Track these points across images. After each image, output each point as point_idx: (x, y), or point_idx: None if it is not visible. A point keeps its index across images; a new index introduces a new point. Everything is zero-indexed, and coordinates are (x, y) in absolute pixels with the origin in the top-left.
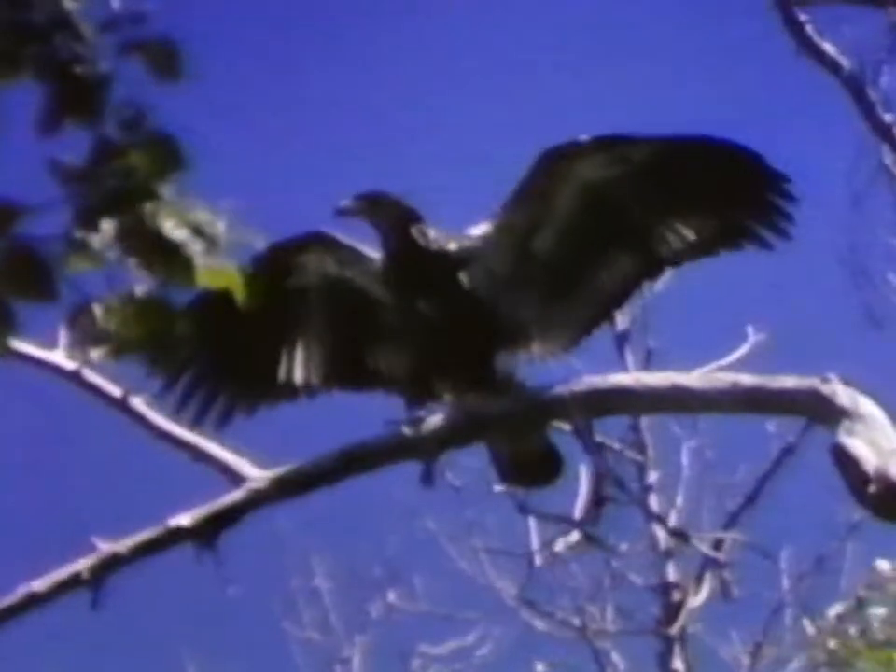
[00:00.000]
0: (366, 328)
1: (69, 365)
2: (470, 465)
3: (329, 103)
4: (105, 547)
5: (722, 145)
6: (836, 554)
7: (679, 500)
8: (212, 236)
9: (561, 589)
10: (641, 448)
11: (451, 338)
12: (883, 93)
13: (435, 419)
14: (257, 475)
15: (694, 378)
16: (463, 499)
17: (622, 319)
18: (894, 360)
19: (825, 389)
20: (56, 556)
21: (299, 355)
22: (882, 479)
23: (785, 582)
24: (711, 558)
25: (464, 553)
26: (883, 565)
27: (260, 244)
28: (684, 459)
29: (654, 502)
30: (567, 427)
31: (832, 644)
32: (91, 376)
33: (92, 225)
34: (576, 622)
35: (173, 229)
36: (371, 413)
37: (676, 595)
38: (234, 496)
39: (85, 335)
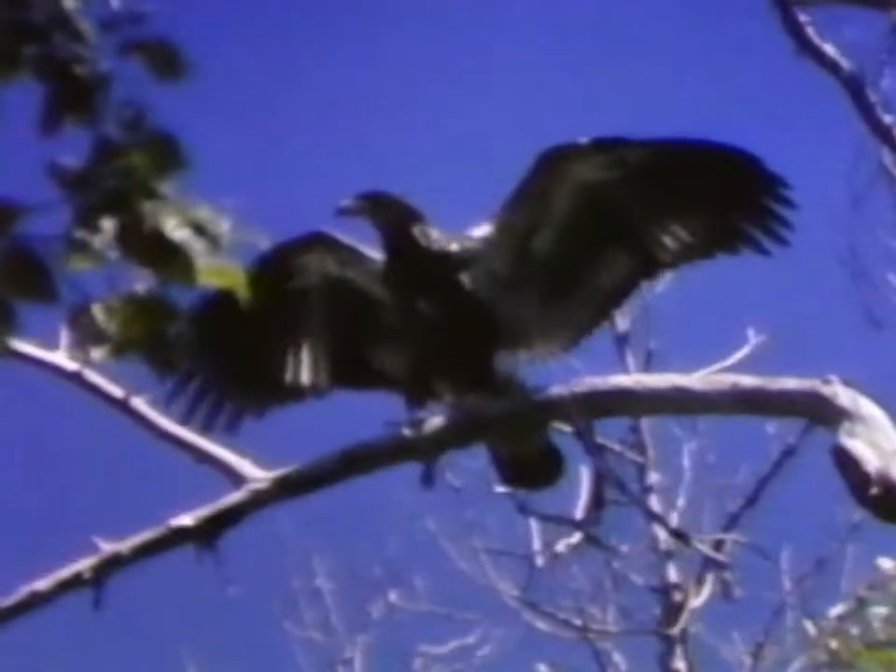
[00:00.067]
0: (367, 328)
1: (70, 365)
2: (470, 465)
3: (329, 102)
4: (107, 547)
5: (721, 148)
6: (837, 555)
7: (680, 501)
8: (214, 235)
9: (562, 590)
10: (642, 449)
11: (451, 338)
12: (883, 95)
13: (435, 420)
14: (258, 476)
15: (695, 379)
16: (463, 500)
17: (622, 320)
18: (894, 361)
19: (826, 390)
20: (58, 556)
21: (304, 355)
22: (883, 480)
23: (786, 583)
24: (712, 559)
25: (464, 554)
26: (885, 563)
27: (264, 243)
28: (685, 460)
29: (655, 503)
30: (567, 427)
31: (833, 644)
32: (93, 377)
33: (92, 225)
34: (577, 622)
35: (174, 228)
36: (371, 413)
37: (677, 596)
38: (236, 496)
39: (85, 335)
